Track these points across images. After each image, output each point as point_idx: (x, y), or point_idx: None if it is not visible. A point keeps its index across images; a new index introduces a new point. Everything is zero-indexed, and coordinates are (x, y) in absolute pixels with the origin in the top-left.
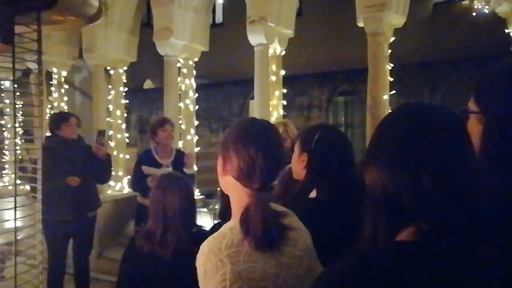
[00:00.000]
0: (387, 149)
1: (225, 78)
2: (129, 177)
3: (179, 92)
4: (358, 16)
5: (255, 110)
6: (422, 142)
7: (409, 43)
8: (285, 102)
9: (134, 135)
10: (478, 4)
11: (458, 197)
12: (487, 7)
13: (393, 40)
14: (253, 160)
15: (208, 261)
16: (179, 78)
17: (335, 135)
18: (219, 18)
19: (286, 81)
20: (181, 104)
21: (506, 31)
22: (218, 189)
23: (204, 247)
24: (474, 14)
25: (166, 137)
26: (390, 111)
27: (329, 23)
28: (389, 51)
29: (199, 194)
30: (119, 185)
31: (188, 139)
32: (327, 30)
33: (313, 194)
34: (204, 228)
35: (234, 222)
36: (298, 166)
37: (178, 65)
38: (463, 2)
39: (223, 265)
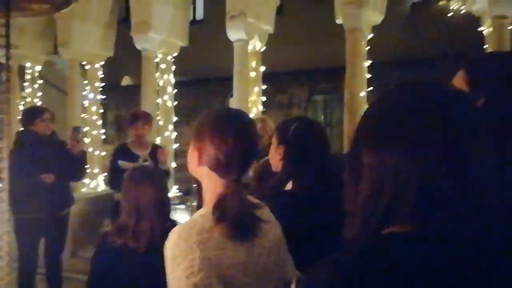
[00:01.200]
0: (407, 132)
1: (205, 76)
2: (105, 174)
3: (157, 88)
4: (336, 12)
5: (232, 105)
6: (448, 131)
7: (387, 40)
8: (264, 99)
9: (111, 133)
10: (455, 4)
11: (475, 192)
12: (463, 6)
13: (372, 38)
14: (231, 151)
15: (177, 247)
16: (157, 74)
17: (311, 127)
18: (200, 14)
19: (266, 78)
20: (159, 100)
21: (480, 29)
22: (194, 185)
23: (173, 233)
24: (451, 13)
25: (141, 131)
26: (399, 86)
27: (309, 20)
28: (367, 48)
29: (177, 191)
30: (94, 183)
31: (166, 135)
32: (307, 27)
33: (289, 186)
34: (179, 223)
35: (206, 210)
36: (275, 158)
37: (156, 60)
38: (440, 2)
39: (192, 251)
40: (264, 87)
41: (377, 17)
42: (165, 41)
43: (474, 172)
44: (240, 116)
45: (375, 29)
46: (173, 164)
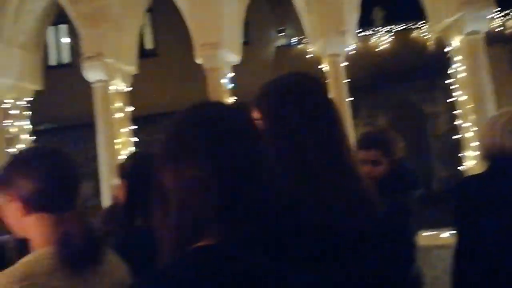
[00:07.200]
0: (193, 151)
1: (72, 122)
2: None
3: (11, 136)
4: (196, 54)
5: (100, 148)
6: (219, 147)
7: (251, 80)
8: (136, 139)
9: None
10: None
11: (249, 205)
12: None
13: (238, 78)
14: (48, 181)
15: None
16: (7, 122)
17: (145, 163)
18: (66, 58)
19: (142, 120)
20: (12, 150)
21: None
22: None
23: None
24: (309, 55)
25: None
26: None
27: (181, 62)
28: (232, 85)
29: None
30: None
31: None
32: (179, 68)
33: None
34: None
35: (35, 255)
36: (119, 192)
37: (4, 106)
38: (299, 46)
39: None
40: (135, 127)
41: (234, 58)
42: (14, 85)
43: (250, 188)
44: (49, 149)
45: (239, 69)
46: None
